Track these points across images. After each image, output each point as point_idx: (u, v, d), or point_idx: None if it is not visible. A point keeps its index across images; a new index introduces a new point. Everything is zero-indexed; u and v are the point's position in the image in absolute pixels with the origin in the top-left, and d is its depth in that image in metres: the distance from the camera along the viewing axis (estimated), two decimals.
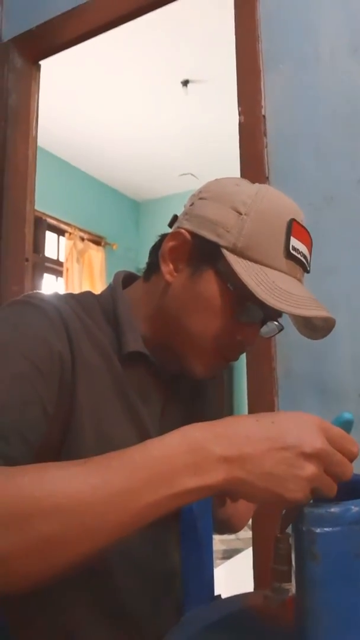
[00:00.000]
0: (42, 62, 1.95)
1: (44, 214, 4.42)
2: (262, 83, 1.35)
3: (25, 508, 0.40)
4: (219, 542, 3.51)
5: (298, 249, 0.66)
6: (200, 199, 0.69)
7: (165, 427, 0.70)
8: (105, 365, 0.66)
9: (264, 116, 1.33)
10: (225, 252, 0.64)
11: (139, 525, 0.42)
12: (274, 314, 0.68)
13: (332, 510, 0.42)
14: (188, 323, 0.67)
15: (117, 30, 1.76)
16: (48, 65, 1.96)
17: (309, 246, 0.69)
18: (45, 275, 4.58)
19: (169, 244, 0.69)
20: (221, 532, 0.83)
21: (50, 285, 4.60)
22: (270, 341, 1.25)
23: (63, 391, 0.61)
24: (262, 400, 1.25)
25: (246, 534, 3.73)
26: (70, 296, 0.71)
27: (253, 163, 1.33)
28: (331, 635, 0.42)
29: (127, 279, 0.77)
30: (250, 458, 0.44)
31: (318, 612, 0.42)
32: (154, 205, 5.53)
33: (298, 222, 0.66)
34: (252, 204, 0.65)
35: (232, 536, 3.74)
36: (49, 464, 0.44)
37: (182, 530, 0.70)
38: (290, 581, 0.49)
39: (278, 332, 0.73)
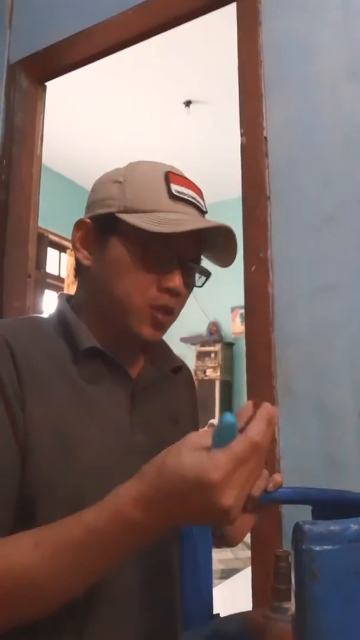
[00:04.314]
0: (48, 83, 1.99)
1: (46, 230, 4.46)
2: (263, 106, 1.37)
3: None
4: (217, 561, 3.47)
5: (182, 192, 0.71)
6: (90, 192, 0.78)
7: (137, 417, 0.74)
8: (59, 371, 0.69)
9: (265, 138, 1.36)
10: (118, 215, 0.70)
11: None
12: (186, 254, 0.72)
13: (332, 528, 0.43)
14: (114, 291, 0.71)
15: (122, 51, 1.80)
16: (54, 86, 2.00)
17: (196, 190, 0.74)
18: (47, 291, 4.61)
19: (76, 235, 0.75)
20: (218, 546, 0.84)
21: (51, 301, 4.62)
22: (270, 358, 1.25)
23: (15, 413, 0.63)
24: None
25: (244, 553, 3.69)
26: (15, 320, 0.77)
27: (255, 183, 1.35)
28: None
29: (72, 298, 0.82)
30: None
31: (318, 631, 0.42)
32: None
33: (174, 173, 0.72)
34: (127, 173, 0.73)
35: (231, 556, 3.70)
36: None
37: (182, 551, 0.70)
38: (290, 600, 0.49)
39: (206, 279, 0.77)
